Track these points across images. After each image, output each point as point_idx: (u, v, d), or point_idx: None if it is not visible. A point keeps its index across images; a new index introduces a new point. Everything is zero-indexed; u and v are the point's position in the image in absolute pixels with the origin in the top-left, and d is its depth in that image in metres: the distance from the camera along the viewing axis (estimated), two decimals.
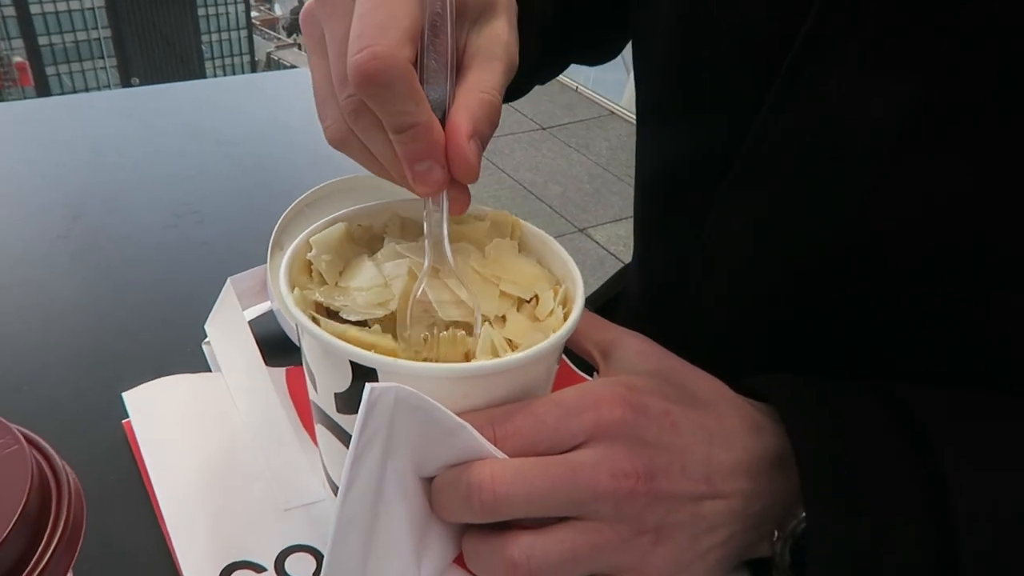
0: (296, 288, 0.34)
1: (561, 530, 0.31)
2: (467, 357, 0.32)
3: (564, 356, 0.42)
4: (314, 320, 0.32)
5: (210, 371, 0.46)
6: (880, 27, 0.36)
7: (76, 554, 0.23)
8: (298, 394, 0.45)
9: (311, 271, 0.36)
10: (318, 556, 0.36)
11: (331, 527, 0.28)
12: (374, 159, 0.34)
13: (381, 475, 0.29)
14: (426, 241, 0.33)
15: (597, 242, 2.61)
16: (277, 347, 0.47)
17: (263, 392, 0.43)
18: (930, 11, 0.34)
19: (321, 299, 0.34)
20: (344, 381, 0.32)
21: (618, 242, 2.52)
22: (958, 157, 0.36)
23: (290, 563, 0.36)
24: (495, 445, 0.31)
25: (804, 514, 0.33)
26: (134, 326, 0.50)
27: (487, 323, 0.33)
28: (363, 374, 0.31)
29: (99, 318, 0.51)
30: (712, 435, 0.34)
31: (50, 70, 48.99)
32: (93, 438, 0.41)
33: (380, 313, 0.33)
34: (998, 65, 0.34)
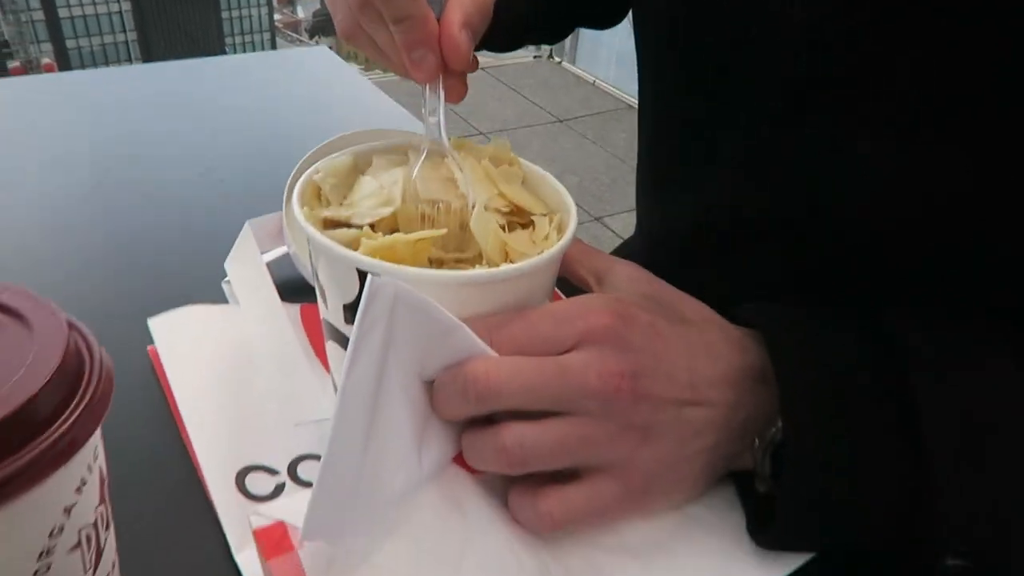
0: (306, 207, 0.37)
1: (552, 422, 0.33)
2: (463, 227, 0.35)
3: (557, 290, 0.45)
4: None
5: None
6: (877, 8, 0.37)
7: (105, 412, 0.26)
8: (311, 328, 0.47)
9: (320, 197, 0.38)
10: None
11: (334, 409, 0.30)
12: (379, 50, 0.37)
13: (382, 363, 0.32)
14: (424, 125, 0.37)
15: (613, 231, 2.64)
16: (292, 287, 0.50)
17: (278, 323, 0.46)
18: None
19: (329, 214, 0.36)
20: (352, 291, 0.34)
21: (633, 231, 2.53)
22: (957, 150, 0.37)
23: (302, 468, 0.39)
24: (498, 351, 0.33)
25: (781, 424, 0.35)
26: (159, 265, 0.54)
27: (488, 211, 0.36)
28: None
29: (127, 259, 0.54)
30: (696, 348, 0.36)
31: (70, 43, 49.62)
32: (121, 363, 0.44)
33: (386, 212, 0.35)
34: (996, 51, 0.35)
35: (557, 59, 3.84)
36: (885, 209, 0.40)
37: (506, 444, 0.33)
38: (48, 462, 0.23)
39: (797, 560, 0.36)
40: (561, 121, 3.12)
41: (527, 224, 0.38)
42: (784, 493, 0.34)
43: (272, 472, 0.38)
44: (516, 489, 0.35)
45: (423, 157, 0.37)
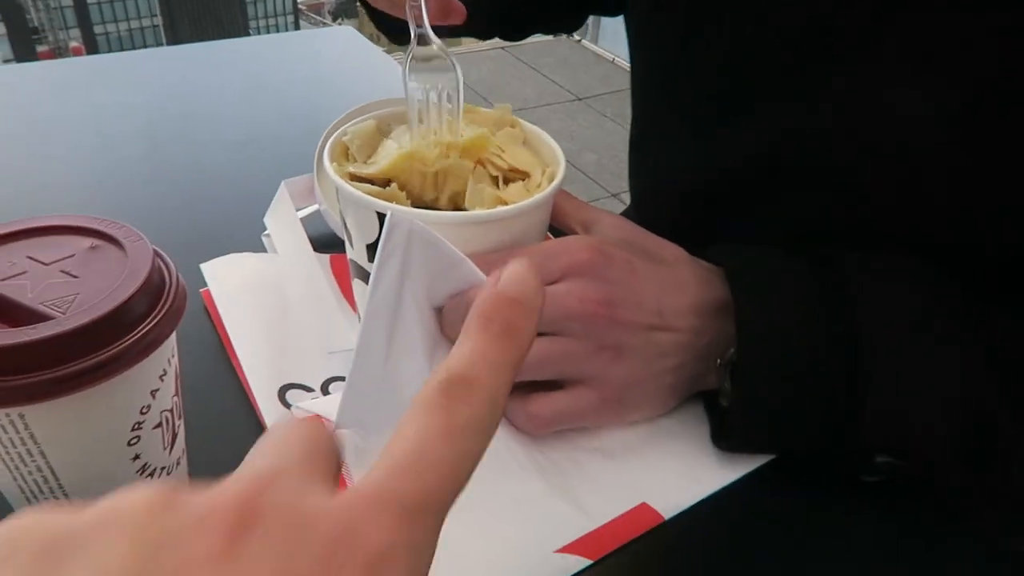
0: (335, 163, 0.43)
1: (540, 340, 0.39)
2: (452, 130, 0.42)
3: (549, 234, 0.51)
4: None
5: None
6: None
7: (180, 318, 0.32)
8: (340, 274, 0.54)
9: (348, 155, 0.45)
10: None
11: (359, 326, 0.37)
12: None
13: (399, 288, 0.38)
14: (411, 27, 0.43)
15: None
16: (323, 240, 0.56)
17: (312, 269, 0.53)
18: None
19: (354, 169, 0.43)
20: (372, 232, 0.41)
21: None
22: (970, 155, 0.41)
23: (332, 387, 0.45)
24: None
25: (736, 344, 0.40)
26: (205, 222, 0.61)
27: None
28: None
29: (180, 217, 0.62)
30: (666, 283, 0.42)
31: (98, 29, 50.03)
32: None
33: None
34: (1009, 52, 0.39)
35: (577, 37, 3.87)
36: (900, 210, 0.45)
37: None
38: (140, 351, 0.30)
39: (753, 463, 0.42)
40: (580, 99, 3.16)
41: (525, 177, 0.45)
42: (737, 403, 0.40)
43: (308, 389, 0.45)
44: (510, 396, 0.41)
45: (412, 47, 0.44)
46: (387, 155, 0.43)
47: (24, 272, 0.31)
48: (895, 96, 0.43)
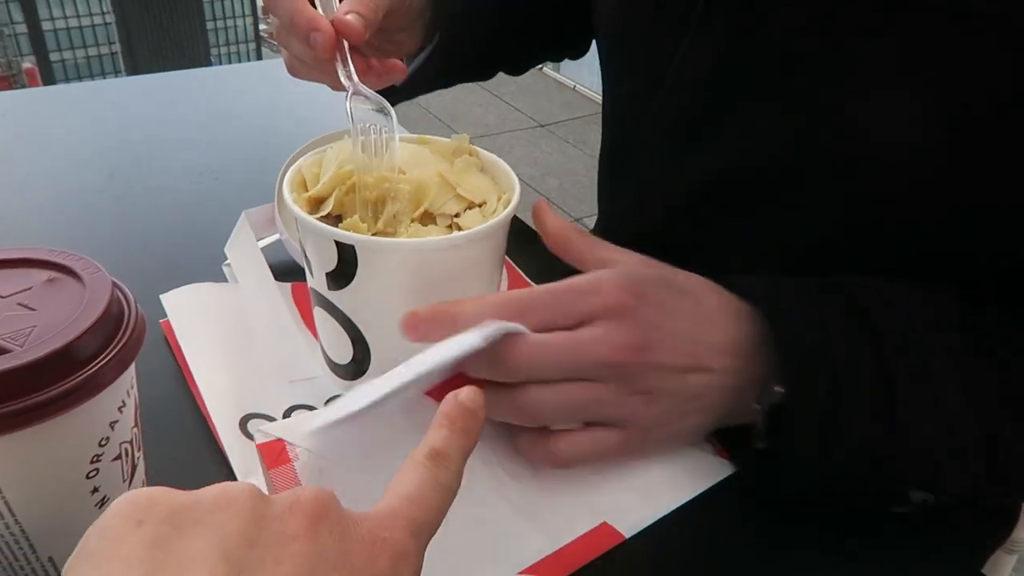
0: (294, 192, 0.44)
1: (568, 386, 0.38)
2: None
3: (508, 259, 0.52)
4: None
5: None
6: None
7: (139, 349, 0.33)
8: (301, 302, 0.54)
9: (305, 185, 0.45)
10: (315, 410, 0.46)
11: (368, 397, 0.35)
12: (312, 68, 0.51)
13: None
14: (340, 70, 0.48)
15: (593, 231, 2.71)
16: (283, 269, 0.57)
17: (273, 298, 0.53)
18: None
19: (311, 193, 0.43)
20: (332, 260, 0.41)
21: None
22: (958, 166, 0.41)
23: (295, 415, 0.45)
24: (523, 321, 0.37)
25: (780, 388, 0.39)
26: (165, 253, 0.61)
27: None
28: (344, 251, 0.40)
29: (135, 248, 0.62)
30: (699, 320, 0.40)
31: (54, 56, 49.28)
32: None
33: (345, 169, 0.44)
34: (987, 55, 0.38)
35: (539, 65, 3.93)
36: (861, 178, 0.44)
37: (526, 404, 0.38)
38: (98, 383, 0.30)
39: (711, 479, 0.43)
40: (543, 126, 3.20)
41: (482, 204, 0.45)
42: (785, 450, 0.39)
43: (269, 419, 0.45)
44: (529, 431, 0.40)
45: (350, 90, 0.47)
46: (329, 168, 0.45)
47: None
48: (879, 105, 0.43)
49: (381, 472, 0.38)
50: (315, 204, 0.44)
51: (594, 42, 0.68)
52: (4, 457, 0.29)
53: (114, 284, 0.33)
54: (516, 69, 0.76)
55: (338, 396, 0.47)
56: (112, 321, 0.31)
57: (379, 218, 0.43)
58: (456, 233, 0.41)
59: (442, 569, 0.36)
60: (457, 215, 0.44)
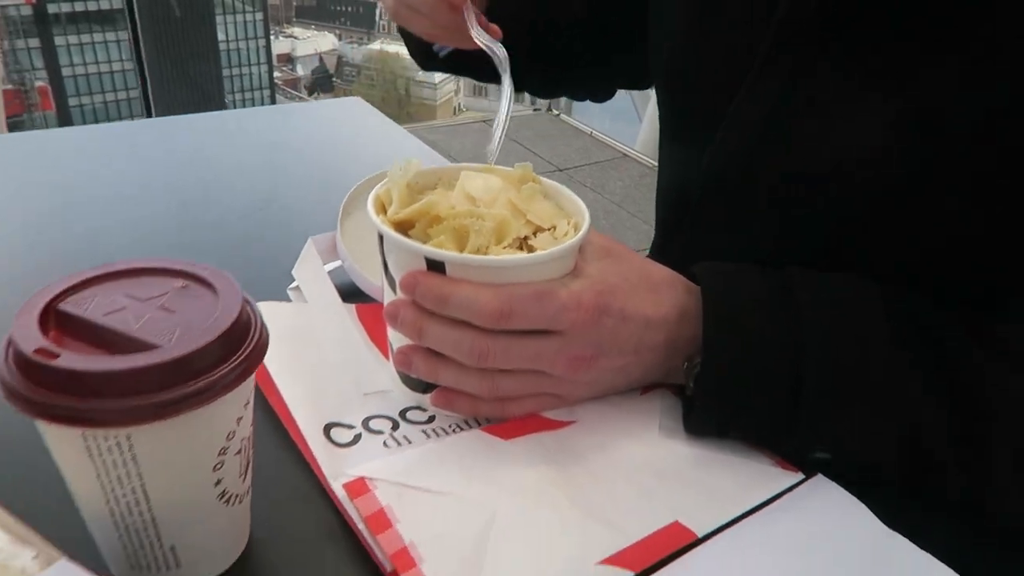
0: (379, 216, 0.47)
1: (523, 373, 0.47)
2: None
3: None
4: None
5: None
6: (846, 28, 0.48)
7: (264, 355, 0.35)
8: (366, 322, 0.57)
9: (384, 209, 0.49)
10: (392, 420, 0.49)
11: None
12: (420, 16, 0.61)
13: None
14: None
15: None
16: (346, 291, 0.60)
17: (341, 318, 0.56)
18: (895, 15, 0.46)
19: (396, 217, 0.47)
20: None
21: None
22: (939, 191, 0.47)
23: (373, 423, 0.48)
24: (510, 320, 0.44)
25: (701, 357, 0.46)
26: (236, 278, 0.64)
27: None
28: (434, 267, 0.43)
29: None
30: (648, 323, 0.47)
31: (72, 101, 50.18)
32: None
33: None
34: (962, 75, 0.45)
35: (555, 112, 4.01)
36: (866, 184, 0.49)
37: (495, 387, 0.47)
38: (234, 378, 0.33)
39: (776, 487, 0.45)
40: (561, 170, 3.26)
41: (552, 228, 0.49)
42: (700, 399, 0.46)
43: (349, 427, 0.48)
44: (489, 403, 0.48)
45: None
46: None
47: (124, 308, 0.34)
48: (838, 118, 0.49)
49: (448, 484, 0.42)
50: (396, 228, 0.47)
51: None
52: (149, 445, 0.32)
53: (244, 298, 0.36)
54: (544, 85, 0.83)
55: (414, 408, 0.50)
56: (243, 325, 0.35)
57: (463, 248, 0.46)
58: (539, 252, 0.44)
59: (524, 565, 0.39)
60: (526, 238, 0.47)
